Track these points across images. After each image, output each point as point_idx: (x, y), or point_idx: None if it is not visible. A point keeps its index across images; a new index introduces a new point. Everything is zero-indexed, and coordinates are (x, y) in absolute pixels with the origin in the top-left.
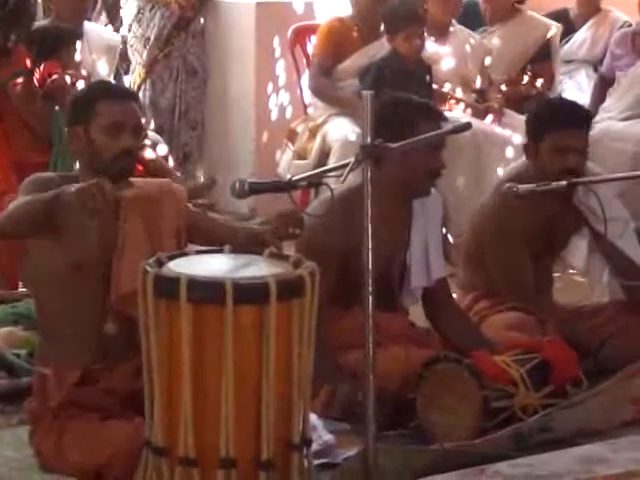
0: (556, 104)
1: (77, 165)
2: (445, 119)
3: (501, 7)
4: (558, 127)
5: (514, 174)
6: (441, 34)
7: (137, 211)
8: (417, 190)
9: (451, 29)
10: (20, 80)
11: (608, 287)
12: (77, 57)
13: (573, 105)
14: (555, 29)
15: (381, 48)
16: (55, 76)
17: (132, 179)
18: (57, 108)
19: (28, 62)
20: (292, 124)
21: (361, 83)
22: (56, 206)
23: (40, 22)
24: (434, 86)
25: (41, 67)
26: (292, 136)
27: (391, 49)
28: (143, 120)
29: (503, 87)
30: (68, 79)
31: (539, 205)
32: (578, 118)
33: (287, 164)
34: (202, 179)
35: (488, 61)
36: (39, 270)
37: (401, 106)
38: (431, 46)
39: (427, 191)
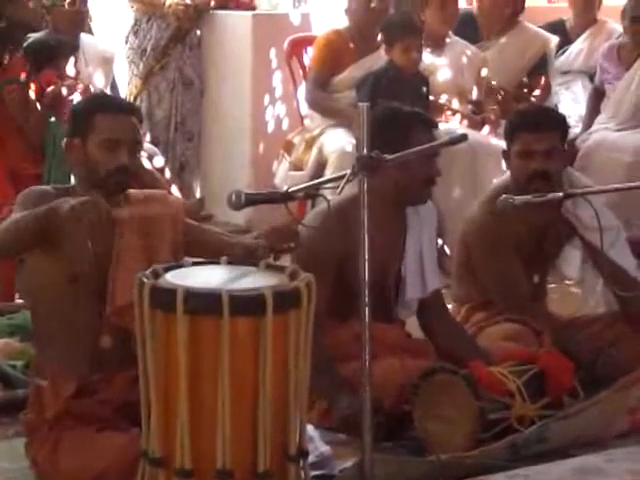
0: (524, 110)
1: (72, 177)
2: (437, 126)
3: (497, 20)
4: (521, 131)
5: (500, 186)
6: (437, 45)
7: (133, 222)
8: (413, 198)
9: (447, 40)
10: (15, 86)
11: (603, 297)
12: (72, 69)
13: (540, 110)
14: (553, 42)
15: (378, 60)
16: (52, 87)
17: (129, 191)
18: (53, 119)
19: (23, 74)
20: (289, 136)
21: (358, 94)
22: (51, 220)
23: (37, 34)
24: (430, 97)
25: (39, 77)
26: (289, 148)
27: (388, 60)
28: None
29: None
30: (65, 90)
31: (529, 215)
32: (538, 121)
33: (284, 175)
34: (199, 190)
35: (485, 72)
36: (35, 282)
37: (394, 115)
38: (427, 57)
39: (423, 199)
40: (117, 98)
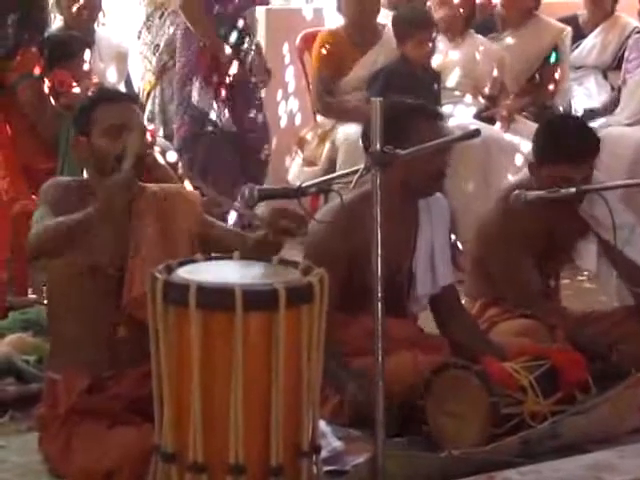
0: (562, 133)
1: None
2: (442, 118)
3: (519, 11)
4: (558, 159)
5: (518, 183)
6: (453, 36)
7: (151, 214)
8: (421, 191)
9: (466, 34)
10: (31, 82)
11: (617, 293)
12: (86, 65)
13: (579, 137)
14: (567, 32)
15: (379, 53)
16: (66, 88)
17: (145, 184)
18: (66, 113)
19: (37, 69)
20: (302, 132)
21: (369, 90)
22: (87, 223)
23: (51, 29)
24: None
25: (52, 75)
26: (302, 144)
27: (400, 55)
28: (149, 125)
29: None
30: (77, 90)
31: (543, 213)
32: (582, 151)
33: (297, 171)
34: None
35: (495, 73)
36: (52, 275)
37: (396, 108)
38: (442, 50)
39: (432, 191)
40: (115, 89)
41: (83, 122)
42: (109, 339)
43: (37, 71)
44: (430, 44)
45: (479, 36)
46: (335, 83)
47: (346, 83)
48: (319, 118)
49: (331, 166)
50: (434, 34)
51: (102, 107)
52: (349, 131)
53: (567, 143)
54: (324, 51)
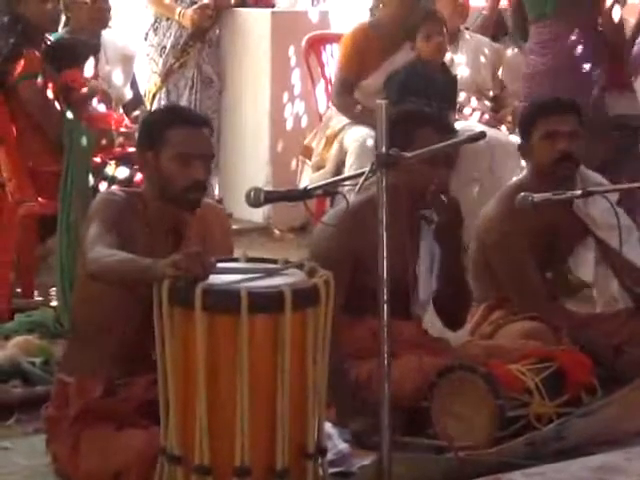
0: (539, 99)
1: (90, 177)
2: (454, 131)
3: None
4: (542, 115)
5: (516, 184)
6: (451, 39)
7: (197, 237)
8: (418, 202)
9: (466, 37)
10: (32, 82)
11: (620, 295)
12: (91, 71)
13: (555, 97)
14: None
15: (403, 60)
16: (78, 85)
17: None
18: (70, 116)
19: (40, 72)
20: (306, 141)
21: (386, 90)
22: (150, 280)
23: (58, 33)
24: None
25: (60, 77)
26: (308, 153)
27: (415, 56)
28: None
29: None
30: (85, 90)
31: (542, 213)
32: (560, 104)
33: (308, 179)
34: (217, 188)
35: (500, 72)
36: (84, 281)
37: (405, 115)
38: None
39: (426, 205)
40: (188, 110)
41: (153, 138)
42: (129, 350)
43: (39, 74)
44: (440, 37)
45: (476, 35)
46: (357, 81)
47: (363, 89)
48: (325, 119)
49: (339, 167)
50: (443, 29)
51: (176, 129)
52: (358, 133)
53: (544, 101)
54: (352, 46)
